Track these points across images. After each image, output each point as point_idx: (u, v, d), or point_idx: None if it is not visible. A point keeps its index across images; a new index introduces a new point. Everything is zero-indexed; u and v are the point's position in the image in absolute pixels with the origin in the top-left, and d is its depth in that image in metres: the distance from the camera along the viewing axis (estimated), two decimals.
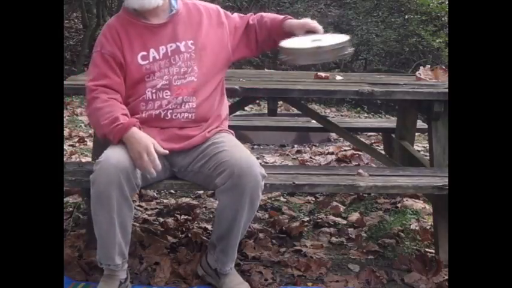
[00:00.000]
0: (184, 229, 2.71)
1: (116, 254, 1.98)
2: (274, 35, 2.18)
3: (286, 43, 2.07)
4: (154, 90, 2.06)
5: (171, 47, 2.09)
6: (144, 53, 2.06)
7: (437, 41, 6.96)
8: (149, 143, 1.93)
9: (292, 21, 2.15)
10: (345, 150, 4.32)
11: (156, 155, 1.92)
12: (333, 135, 4.97)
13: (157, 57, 2.07)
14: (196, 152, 2.10)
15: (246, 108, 5.66)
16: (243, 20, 2.23)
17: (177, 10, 2.12)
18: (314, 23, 2.11)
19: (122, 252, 2.00)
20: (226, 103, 2.26)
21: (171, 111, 2.06)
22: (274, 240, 2.63)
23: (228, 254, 2.09)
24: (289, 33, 2.12)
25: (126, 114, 1.99)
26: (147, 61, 2.06)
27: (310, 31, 2.09)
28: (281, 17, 2.21)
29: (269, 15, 2.25)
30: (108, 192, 1.88)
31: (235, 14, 2.28)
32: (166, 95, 2.06)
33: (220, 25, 2.19)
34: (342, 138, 4.60)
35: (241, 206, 1.96)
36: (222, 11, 2.24)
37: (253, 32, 2.21)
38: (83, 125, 5.07)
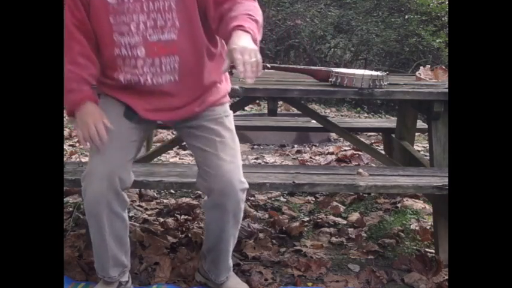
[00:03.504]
0: (184, 229, 2.71)
1: (111, 267, 1.95)
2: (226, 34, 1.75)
3: (347, 70, 2.53)
4: (128, 47, 1.80)
5: None
6: None
7: (437, 41, 6.96)
8: (99, 117, 1.82)
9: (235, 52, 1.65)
10: (345, 150, 4.33)
11: (103, 130, 1.81)
12: (333, 135, 4.97)
13: None
14: (187, 125, 1.97)
15: (246, 108, 5.66)
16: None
17: None
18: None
19: (119, 264, 1.96)
20: (227, 77, 2.03)
21: (150, 75, 1.83)
22: (274, 240, 2.63)
23: (219, 265, 2.07)
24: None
25: (87, 82, 1.84)
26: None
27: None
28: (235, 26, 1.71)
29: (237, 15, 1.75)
30: (96, 211, 1.84)
31: None
32: (141, 53, 1.81)
33: None
34: (342, 138, 4.60)
35: (224, 223, 1.94)
36: None
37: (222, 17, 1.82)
38: None
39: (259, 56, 1.64)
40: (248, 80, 1.64)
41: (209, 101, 1.94)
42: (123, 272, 2.00)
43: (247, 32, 1.67)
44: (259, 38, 1.72)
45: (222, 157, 1.90)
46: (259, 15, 1.77)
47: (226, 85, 2.03)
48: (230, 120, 2.01)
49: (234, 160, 1.93)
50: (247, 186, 1.94)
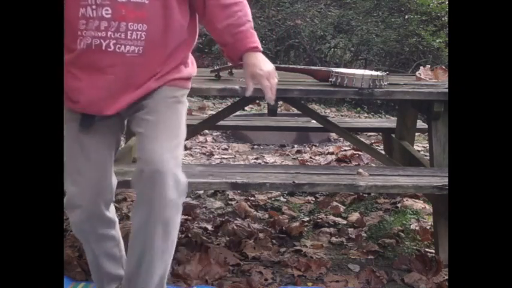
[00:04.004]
0: (184, 229, 2.71)
1: (106, 283, 1.92)
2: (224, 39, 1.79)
3: (347, 70, 2.53)
4: (94, 6, 1.64)
5: None
6: None
7: (437, 41, 6.96)
8: None
9: (256, 72, 1.73)
10: (345, 150, 4.33)
11: None
12: (333, 135, 4.97)
13: None
14: (137, 108, 1.76)
15: (246, 108, 5.66)
16: None
17: None
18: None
19: (115, 278, 1.91)
20: (193, 61, 1.88)
21: (113, 40, 1.65)
22: (274, 240, 2.63)
23: None
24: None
25: None
26: None
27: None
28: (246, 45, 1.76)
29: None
30: (83, 238, 1.83)
31: None
32: (107, 13, 1.64)
33: None
34: (342, 138, 4.60)
35: (150, 233, 1.64)
36: None
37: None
38: None
39: (276, 75, 1.77)
40: (272, 102, 1.78)
41: (167, 78, 1.76)
42: (121, 284, 1.94)
43: (260, 50, 1.76)
44: None
45: (158, 141, 1.67)
46: (250, 13, 1.79)
47: (190, 69, 1.86)
48: (182, 108, 1.80)
49: (172, 148, 1.68)
50: (183, 182, 1.67)
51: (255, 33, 1.77)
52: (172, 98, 1.77)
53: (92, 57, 1.67)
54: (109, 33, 1.65)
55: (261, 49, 1.77)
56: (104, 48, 1.65)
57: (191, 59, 1.88)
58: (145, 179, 1.63)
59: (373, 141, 4.90)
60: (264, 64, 1.74)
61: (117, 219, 1.88)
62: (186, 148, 4.32)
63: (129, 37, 1.66)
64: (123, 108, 1.74)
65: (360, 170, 2.33)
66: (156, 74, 1.73)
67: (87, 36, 1.66)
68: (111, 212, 1.84)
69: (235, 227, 2.70)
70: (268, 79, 1.73)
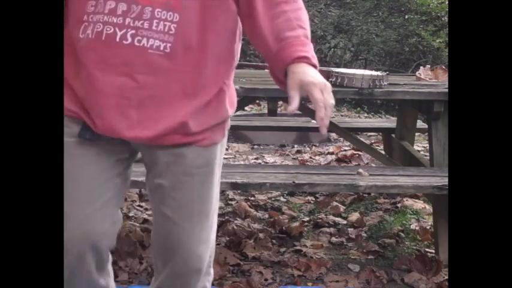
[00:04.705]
0: None
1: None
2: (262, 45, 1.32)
3: (347, 70, 2.54)
4: None
5: None
6: None
7: (437, 41, 6.96)
8: None
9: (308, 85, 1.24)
10: (345, 150, 4.33)
11: None
12: (333, 135, 4.97)
13: None
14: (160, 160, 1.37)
15: (246, 108, 5.66)
16: None
17: None
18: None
19: None
20: (233, 102, 1.43)
21: (132, 30, 1.22)
22: (274, 240, 2.63)
23: None
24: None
25: None
26: None
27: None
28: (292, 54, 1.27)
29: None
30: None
31: None
32: None
33: None
34: (342, 138, 4.60)
35: None
36: None
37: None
38: None
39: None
40: (324, 130, 1.28)
41: (205, 123, 1.32)
42: None
43: (312, 63, 1.29)
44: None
45: (191, 233, 1.41)
46: (306, 19, 1.34)
47: (230, 107, 1.40)
48: (218, 171, 1.42)
49: (207, 238, 1.45)
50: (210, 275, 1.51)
51: (309, 43, 1.31)
52: (206, 168, 1.37)
53: (100, 51, 1.25)
54: (127, 20, 1.22)
55: (316, 64, 1.30)
56: (118, 39, 1.23)
57: (230, 98, 1.40)
58: (175, 276, 1.44)
59: (373, 141, 4.90)
60: (316, 75, 1.25)
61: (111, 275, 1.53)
62: None
63: (154, 27, 1.22)
64: (148, 137, 1.29)
65: (360, 170, 2.33)
66: (188, 94, 1.28)
67: (97, 22, 1.24)
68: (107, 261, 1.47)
69: (235, 227, 2.70)
70: (322, 92, 1.22)
